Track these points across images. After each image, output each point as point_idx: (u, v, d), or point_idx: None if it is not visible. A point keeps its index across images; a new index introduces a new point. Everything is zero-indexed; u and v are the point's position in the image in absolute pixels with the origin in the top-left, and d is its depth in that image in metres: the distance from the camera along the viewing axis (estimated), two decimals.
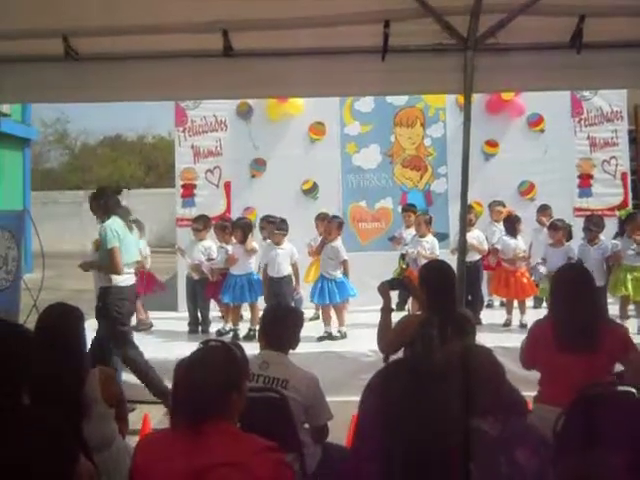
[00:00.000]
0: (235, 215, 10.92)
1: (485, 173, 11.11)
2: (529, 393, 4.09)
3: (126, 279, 7.33)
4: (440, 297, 4.40)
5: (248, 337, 9.02)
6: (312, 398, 4.14)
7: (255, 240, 9.57)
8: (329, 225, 9.28)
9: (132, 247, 7.67)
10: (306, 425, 4.25)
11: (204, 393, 2.82)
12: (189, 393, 2.84)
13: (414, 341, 3.86)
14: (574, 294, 4.33)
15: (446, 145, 11.47)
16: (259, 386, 3.98)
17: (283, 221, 9.41)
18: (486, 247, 9.94)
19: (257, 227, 10.16)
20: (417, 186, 11.68)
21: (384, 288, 4.99)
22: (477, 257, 9.90)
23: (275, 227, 9.33)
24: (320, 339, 8.80)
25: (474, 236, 9.73)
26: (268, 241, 9.47)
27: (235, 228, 9.43)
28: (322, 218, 9.88)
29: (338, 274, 9.13)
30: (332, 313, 9.20)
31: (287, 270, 9.29)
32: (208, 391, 2.82)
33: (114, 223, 7.26)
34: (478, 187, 10.01)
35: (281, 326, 4.33)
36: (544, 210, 10.47)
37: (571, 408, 3.72)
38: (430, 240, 9.62)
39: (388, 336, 4.77)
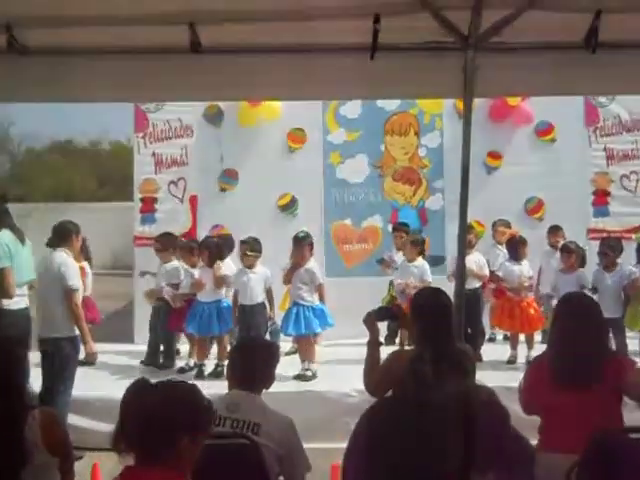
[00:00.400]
0: (202, 234, 10.93)
1: (487, 188, 11.20)
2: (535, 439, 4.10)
3: (18, 301, 7.35)
4: (434, 329, 4.38)
5: (215, 374, 8.99)
6: (287, 445, 4.11)
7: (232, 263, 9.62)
8: (300, 248, 9.24)
9: (25, 264, 7.66)
10: (281, 478, 4.21)
11: (147, 430, 2.80)
12: (129, 428, 2.84)
13: (404, 380, 3.85)
14: (573, 326, 4.34)
15: (443, 156, 11.57)
16: (226, 431, 3.95)
17: (256, 241, 9.40)
18: (487, 272, 9.98)
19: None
20: (410, 202, 11.77)
21: (370, 319, 4.97)
22: (477, 284, 9.93)
23: (247, 248, 9.31)
24: (298, 377, 8.78)
25: (474, 260, 9.76)
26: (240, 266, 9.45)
27: (202, 249, 9.41)
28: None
29: (315, 300, 9.12)
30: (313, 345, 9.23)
31: (260, 297, 9.28)
32: (153, 429, 2.80)
33: (3, 237, 7.24)
34: (479, 204, 10.05)
35: (253, 362, 4.29)
36: (556, 231, 10.50)
37: (585, 457, 3.72)
38: (420, 265, 9.66)
39: (376, 374, 4.75)
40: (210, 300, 9.26)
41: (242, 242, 9.54)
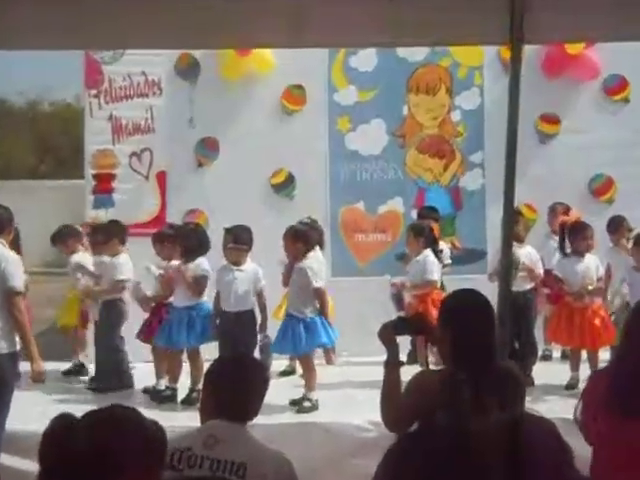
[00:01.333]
0: (173, 221, 10.96)
1: (541, 162, 11.25)
2: None
3: None
4: (472, 344, 4.38)
5: (188, 401, 9.00)
6: None
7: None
8: (293, 239, 9.27)
9: None
10: None
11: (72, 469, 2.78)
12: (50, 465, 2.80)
13: (435, 410, 3.85)
14: None
15: (483, 121, 11.61)
16: (200, 476, 3.93)
17: (244, 230, 9.37)
18: (541, 271, 9.96)
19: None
20: (440, 181, 11.81)
21: (387, 332, 4.93)
22: (528, 285, 9.92)
23: (232, 239, 9.29)
24: (294, 404, 8.82)
25: (524, 254, 9.74)
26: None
27: (176, 240, 9.47)
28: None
29: (308, 311, 9.09)
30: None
31: (249, 302, 9.27)
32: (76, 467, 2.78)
33: None
34: (530, 183, 10.08)
35: (237, 385, 4.28)
36: (619, 223, 10.41)
37: None
38: (421, 259, 9.78)
39: (396, 403, 4.73)
40: (183, 305, 9.31)
41: (226, 231, 9.50)
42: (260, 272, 9.35)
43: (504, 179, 4.91)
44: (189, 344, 9.32)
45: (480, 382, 4.00)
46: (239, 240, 9.27)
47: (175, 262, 9.48)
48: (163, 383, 9.52)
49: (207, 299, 9.49)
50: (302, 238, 9.23)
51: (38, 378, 7.63)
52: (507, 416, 3.31)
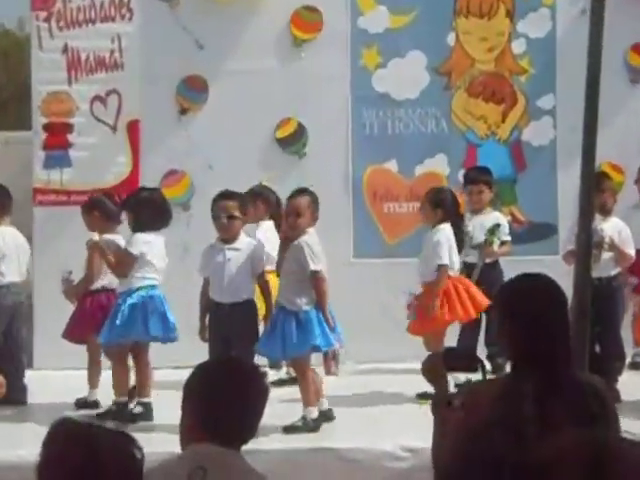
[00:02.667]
0: (148, 184, 10.99)
1: (631, 109, 11.20)
2: None
3: None
4: (540, 347, 4.38)
5: (134, 417, 9.15)
6: None
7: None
8: (289, 208, 9.22)
9: None
10: None
11: None
12: None
13: (491, 428, 3.85)
14: None
15: (555, 54, 11.60)
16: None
17: (239, 198, 9.38)
18: (632, 251, 9.95)
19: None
20: (496, 133, 11.80)
21: (435, 365, 4.89)
22: (614, 271, 9.91)
23: (225, 207, 9.28)
24: (286, 430, 8.83)
25: (610, 228, 9.74)
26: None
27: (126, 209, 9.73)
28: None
29: (303, 302, 9.05)
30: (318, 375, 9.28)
31: (247, 290, 9.28)
32: None
33: None
34: (616, 136, 10.06)
35: (229, 399, 4.30)
36: None
37: None
38: (434, 235, 9.78)
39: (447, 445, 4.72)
40: (122, 289, 9.51)
41: (216, 198, 9.50)
42: (260, 248, 9.36)
43: (582, 131, 4.89)
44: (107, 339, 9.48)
45: (549, 396, 4.00)
46: (234, 208, 9.28)
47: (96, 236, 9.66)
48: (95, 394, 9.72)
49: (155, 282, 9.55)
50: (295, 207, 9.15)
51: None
52: (587, 439, 3.28)
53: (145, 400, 9.19)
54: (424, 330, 9.84)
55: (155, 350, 9.57)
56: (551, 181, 11.56)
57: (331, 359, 9.36)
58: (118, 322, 9.24)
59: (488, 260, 10.47)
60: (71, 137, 11.69)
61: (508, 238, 10.62)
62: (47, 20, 11.62)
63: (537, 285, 4.70)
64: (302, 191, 9.27)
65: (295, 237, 9.00)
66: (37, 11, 11.67)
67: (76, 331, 9.92)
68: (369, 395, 9.89)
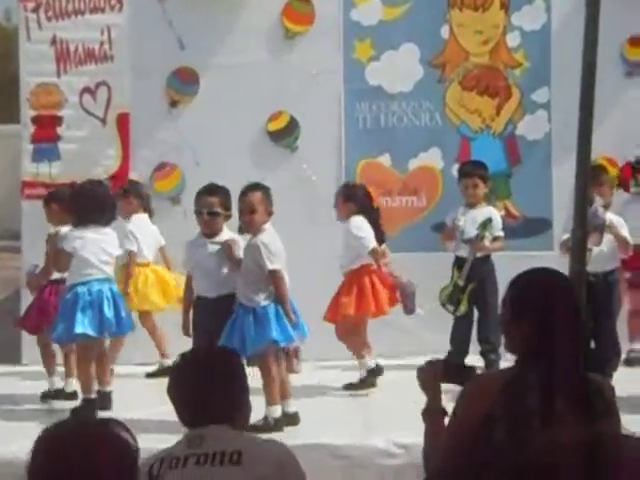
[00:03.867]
0: (140, 176, 11.10)
1: (626, 102, 11.26)
2: None
3: None
4: (546, 339, 4.40)
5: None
6: (285, 474, 4.27)
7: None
8: (243, 205, 9.21)
9: None
10: None
11: None
12: None
13: (493, 420, 3.90)
14: None
15: (550, 47, 11.63)
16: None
17: (222, 191, 9.41)
18: (630, 243, 10.01)
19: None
20: (491, 127, 11.83)
21: (433, 375, 4.91)
22: (610, 265, 9.96)
23: (204, 202, 9.32)
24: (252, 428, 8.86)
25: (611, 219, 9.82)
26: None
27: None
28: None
29: (261, 298, 9.06)
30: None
31: (230, 284, 9.30)
32: None
33: None
34: (612, 130, 10.10)
35: (212, 383, 4.43)
36: None
37: None
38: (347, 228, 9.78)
39: (445, 442, 4.74)
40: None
41: (198, 193, 9.51)
42: (241, 243, 9.33)
43: (578, 125, 4.90)
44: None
45: (555, 388, 4.04)
46: (216, 204, 9.30)
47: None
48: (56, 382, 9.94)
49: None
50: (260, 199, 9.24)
51: None
52: (589, 433, 3.31)
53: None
54: (333, 319, 10.15)
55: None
56: (546, 175, 11.60)
57: (293, 356, 9.34)
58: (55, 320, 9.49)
59: (479, 255, 10.49)
60: (60, 130, 11.70)
61: (501, 234, 10.63)
62: (35, 11, 11.61)
63: (551, 280, 4.71)
64: (254, 187, 9.26)
65: (253, 234, 9.06)
66: (25, 2, 11.66)
67: (31, 321, 10.16)
68: (365, 390, 9.95)
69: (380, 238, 10.20)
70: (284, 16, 11.64)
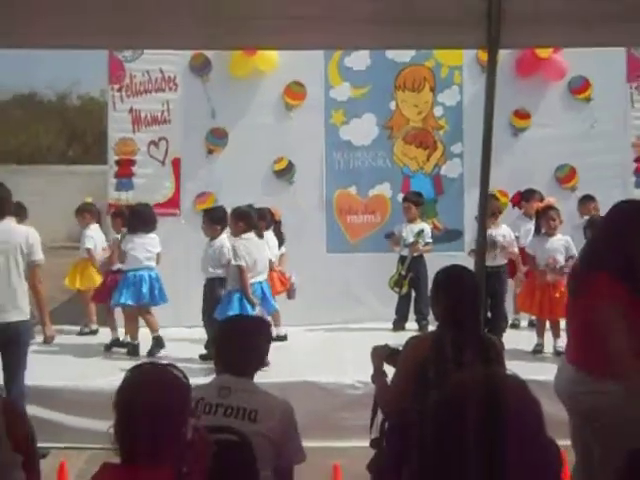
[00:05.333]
0: (186, 202, 11.08)
1: (513, 153, 11.28)
2: (564, 442, 4.06)
3: None
4: (458, 311, 4.44)
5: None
6: (286, 431, 4.20)
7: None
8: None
9: None
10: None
11: (153, 429, 2.88)
12: (134, 429, 2.94)
13: (426, 364, 3.96)
14: None
15: (462, 116, 11.60)
16: (213, 426, 3.97)
17: (218, 210, 9.79)
18: (516, 249, 10.05)
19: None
20: (423, 169, 11.80)
21: (379, 355, 4.94)
22: (502, 261, 10.00)
23: (206, 218, 9.64)
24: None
25: (502, 234, 9.84)
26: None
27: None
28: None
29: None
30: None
31: (210, 272, 9.48)
32: (158, 427, 2.89)
33: None
34: (503, 172, 10.10)
35: (237, 345, 4.37)
36: (588, 202, 10.53)
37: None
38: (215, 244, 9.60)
39: (390, 389, 4.75)
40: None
41: (203, 212, 10.06)
42: (225, 245, 9.33)
43: (480, 168, 4.90)
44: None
45: (463, 343, 4.09)
46: (213, 219, 9.48)
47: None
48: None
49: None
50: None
51: (50, 340, 7.75)
52: (486, 373, 3.32)
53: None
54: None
55: None
56: (460, 202, 11.56)
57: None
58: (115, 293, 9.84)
59: (416, 254, 10.54)
60: (134, 169, 11.63)
61: (430, 240, 10.70)
62: (119, 90, 11.57)
63: (459, 272, 4.77)
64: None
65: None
66: (113, 84, 11.62)
67: (100, 296, 10.61)
68: (338, 344, 9.94)
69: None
70: (285, 94, 11.58)
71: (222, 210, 9.69)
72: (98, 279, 10.93)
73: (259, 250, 9.20)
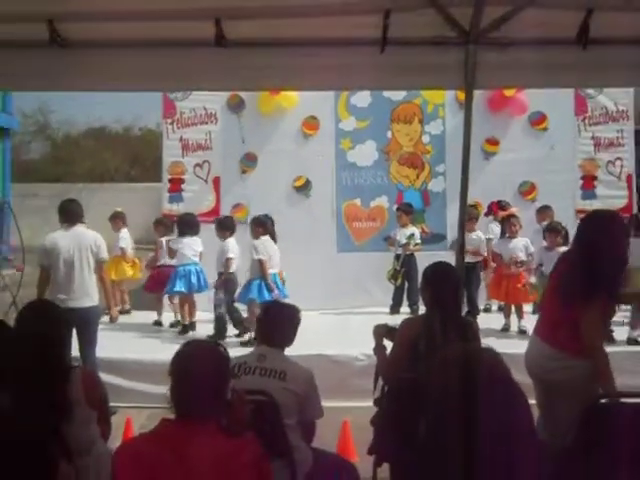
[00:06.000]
0: (224, 212, 11.12)
1: (485, 172, 11.22)
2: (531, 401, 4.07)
3: None
4: (442, 298, 4.45)
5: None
6: (308, 391, 4.27)
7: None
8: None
9: None
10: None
11: (202, 392, 2.91)
12: (186, 391, 2.97)
13: (418, 340, 3.97)
14: None
15: (445, 142, 11.55)
16: (249, 389, 3.99)
17: (226, 218, 9.93)
18: (485, 251, 10.08)
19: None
20: (414, 185, 11.73)
21: (379, 332, 4.95)
22: (474, 260, 10.04)
23: (217, 224, 9.82)
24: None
25: (472, 239, 9.91)
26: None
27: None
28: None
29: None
30: None
31: (220, 266, 9.55)
32: (205, 390, 2.92)
33: None
34: (477, 187, 10.07)
35: (273, 324, 4.49)
36: (544, 211, 10.53)
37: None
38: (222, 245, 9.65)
39: (390, 360, 4.75)
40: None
41: (215, 220, 10.13)
42: (226, 246, 9.43)
43: (461, 183, 4.88)
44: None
45: (447, 323, 4.10)
46: (223, 226, 9.57)
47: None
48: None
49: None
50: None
51: (115, 320, 7.97)
52: (465, 348, 3.36)
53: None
54: None
55: None
56: (443, 211, 11.56)
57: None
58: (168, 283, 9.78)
59: (407, 253, 10.52)
60: (183, 186, 11.65)
61: (419, 241, 10.67)
62: (171, 123, 11.58)
63: (443, 267, 4.78)
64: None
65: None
66: (166, 118, 11.65)
67: (151, 286, 10.57)
68: (346, 324, 9.94)
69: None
70: (303, 125, 11.60)
71: (230, 219, 9.93)
72: (129, 271, 11.16)
73: (273, 249, 9.28)
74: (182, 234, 9.72)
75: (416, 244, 10.61)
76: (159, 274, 10.25)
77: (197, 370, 3.00)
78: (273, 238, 9.38)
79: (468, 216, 8.86)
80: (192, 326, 9.75)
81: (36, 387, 3.61)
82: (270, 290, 9.00)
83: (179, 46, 4.76)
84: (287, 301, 8.93)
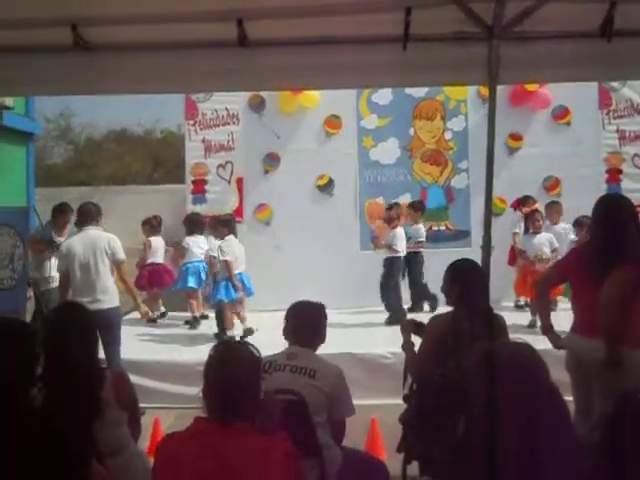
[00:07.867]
0: (248, 212, 11.09)
1: (508, 168, 11.16)
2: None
3: None
4: (470, 294, 4.44)
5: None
6: (339, 389, 4.27)
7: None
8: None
9: None
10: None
11: (236, 392, 2.93)
12: (221, 392, 3.00)
13: (446, 338, 3.96)
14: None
15: (467, 139, 11.51)
16: (278, 389, 4.01)
17: (226, 216, 10.01)
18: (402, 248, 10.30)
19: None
20: (437, 181, 11.70)
21: (407, 329, 4.94)
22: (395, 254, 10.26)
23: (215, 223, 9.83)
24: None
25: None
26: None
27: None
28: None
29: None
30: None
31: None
32: (239, 391, 2.94)
33: None
34: (501, 183, 10.04)
35: (301, 323, 4.50)
36: (553, 205, 10.49)
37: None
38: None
39: (417, 355, 4.75)
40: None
41: (214, 218, 10.11)
42: (216, 245, 9.47)
43: (485, 179, 4.86)
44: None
45: (475, 320, 4.09)
46: (221, 224, 9.56)
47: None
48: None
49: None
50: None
51: (145, 316, 8.17)
52: (491, 345, 3.36)
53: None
54: None
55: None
56: (466, 208, 11.54)
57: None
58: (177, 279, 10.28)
59: (412, 251, 10.54)
60: (206, 187, 11.71)
61: (423, 239, 10.67)
62: (193, 125, 11.67)
63: (469, 264, 4.76)
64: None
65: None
66: (188, 120, 11.73)
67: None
68: (371, 322, 9.93)
69: None
70: (325, 124, 11.63)
71: (229, 216, 10.11)
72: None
73: (238, 248, 9.35)
74: (190, 233, 9.98)
75: (419, 242, 10.58)
76: (150, 272, 10.63)
77: (229, 373, 3.03)
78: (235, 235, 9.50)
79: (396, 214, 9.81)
80: (199, 320, 10.17)
81: (71, 387, 3.65)
82: (237, 289, 9.17)
83: (201, 47, 4.80)
84: (287, 301, 9.03)
